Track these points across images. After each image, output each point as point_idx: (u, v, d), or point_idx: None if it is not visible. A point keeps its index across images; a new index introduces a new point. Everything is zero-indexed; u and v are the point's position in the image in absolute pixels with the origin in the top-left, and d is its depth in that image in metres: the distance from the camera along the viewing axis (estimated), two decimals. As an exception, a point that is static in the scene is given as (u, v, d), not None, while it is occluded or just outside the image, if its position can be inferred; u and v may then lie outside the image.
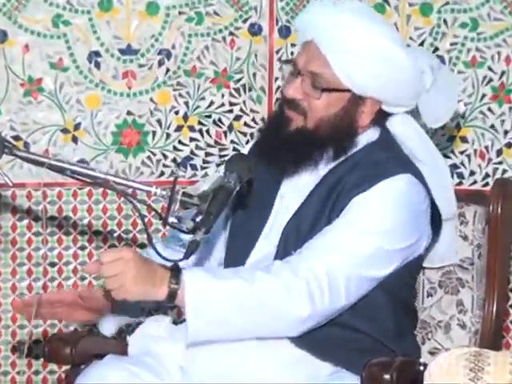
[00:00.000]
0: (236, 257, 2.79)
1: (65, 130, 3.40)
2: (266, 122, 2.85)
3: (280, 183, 2.80)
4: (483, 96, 3.31)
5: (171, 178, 3.32)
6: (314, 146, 2.72)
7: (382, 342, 2.68)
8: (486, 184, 3.21)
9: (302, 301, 2.54)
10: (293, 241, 2.71)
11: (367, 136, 2.76)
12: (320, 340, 2.64)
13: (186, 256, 3.26)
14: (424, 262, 2.83)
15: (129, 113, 3.43)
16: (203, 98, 3.43)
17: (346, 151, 2.75)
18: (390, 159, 2.77)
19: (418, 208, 2.71)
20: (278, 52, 3.38)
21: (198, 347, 2.59)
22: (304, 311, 2.54)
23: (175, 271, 2.46)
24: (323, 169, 2.75)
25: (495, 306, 2.80)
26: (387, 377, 2.37)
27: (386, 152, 2.79)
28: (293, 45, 3.39)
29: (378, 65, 2.69)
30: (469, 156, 3.32)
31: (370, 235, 2.65)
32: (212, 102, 3.43)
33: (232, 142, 3.42)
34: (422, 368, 2.44)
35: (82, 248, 3.41)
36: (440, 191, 2.78)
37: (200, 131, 3.45)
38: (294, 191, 2.79)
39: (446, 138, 3.33)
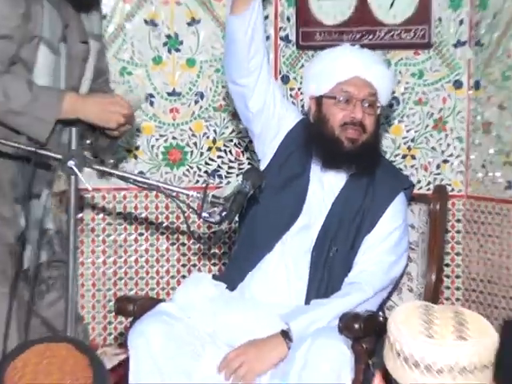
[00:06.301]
0: (266, 236, 2.65)
1: (128, 150, 3.42)
2: (318, 140, 2.66)
3: (308, 174, 2.67)
4: (427, 126, 3.30)
5: (204, 185, 3.27)
6: (372, 155, 2.67)
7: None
8: (429, 189, 3.19)
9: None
10: (329, 239, 2.61)
11: None
12: None
13: (215, 241, 3.27)
14: None
15: (173, 138, 3.44)
16: (227, 127, 3.44)
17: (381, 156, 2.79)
18: (395, 172, 2.83)
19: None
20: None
21: (222, 320, 2.55)
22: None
23: (285, 334, 2.44)
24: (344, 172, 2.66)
25: (434, 276, 2.81)
26: (357, 326, 2.38)
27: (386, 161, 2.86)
28: (291, 89, 3.38)
29: (393, 85, 2.78)
30: (417, 169, 3.31)
31: (396, 249, 2.65)
32: (233, 130, 3.43)
33: (247, 158, 3.43)
34: (382, 320, 2.49)
35: (141, 234, 3.43)
36: None
37: (224, 151, 3.46)
38: (327, 185, 2.67)
39: (400, 156, 3.33)
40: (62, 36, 2.59)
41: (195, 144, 3.46)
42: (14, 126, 2.51)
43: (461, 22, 3.26)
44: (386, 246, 2.63)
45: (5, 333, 2.43)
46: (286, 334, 2.46)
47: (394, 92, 3.11)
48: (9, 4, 2.46)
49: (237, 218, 2.66)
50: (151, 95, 3.41)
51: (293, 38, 3.38)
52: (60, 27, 2.58)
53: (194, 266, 3.43)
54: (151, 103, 3.42)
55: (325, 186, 2.68)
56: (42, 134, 2.50)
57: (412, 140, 3.34)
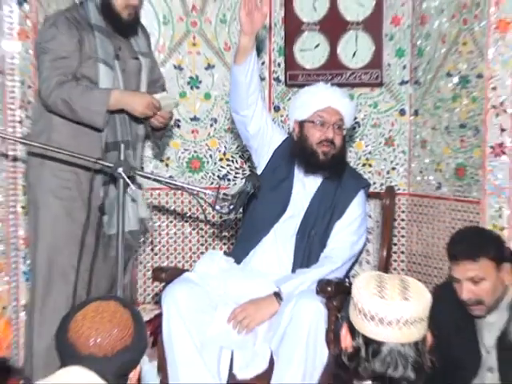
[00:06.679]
0: (263, 223, 2.64)
1: (161, 160, 3.41)
2: (301, 152, 2.63)
3: (293, 178, 2.66)
4: (380, 142, 3.31)
5: (217, 186, 3.31)
6: (340, 165, 2.64)
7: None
8: (382, 189, 3.17)
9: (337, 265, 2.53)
10: (309, 225, 2.59)
11: None
12: None
13: (225, 227, 3.24)
14: None
15: (194, 151, 3.42)
16: (234, 144, 3.43)
17: (346, 164, 2.73)
18: (357, 175, 2.77)
19: None
20: (273, 120, 3.35)
21: (231, 285, 2.54)
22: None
23: (277, 294, 2.44)
24: (320, 176, 2.63)
25: (385, 252, 2.81)
26: (329, 289, 2.38)
27: (351, 168, 2.81)
28: (281, 115, 3.36)
29: (355, 113, 2.75)
30: (373, 174, 3.31)
31: (358, 231, 2.62)
32: (238, 146, 3.42)
33: (249, 166, 3.41)
34: (347, 284, 2.49)
35: (171, 221, 3.41)
36: None
37: (232, 161, 3.44)
38: (308, 186, 2.64)
39: (361, 164, 3.32)
40: (114, 55, 2.60)
41: (210, 156, 3.45)
42: (80, 121, 2.53)
43: (404, 67, 3.26)
44: (351, 229, 2.62)
45: (73, 293, 2.45)
46: (277, 295, 2.46)
47: (356, 118, 3.11)
48: (66, 35, 2.52)
49: (241, 210, 2.63)
50: (178, 120, 3.39)
51: (282, 78, 3.38)
52: (112, 49, 2.59)
53: (210, 245, 3.42)
54: (178, 126, 3.40)
55: (305, 187, 2.67)
56: (99, 122, 2.51)
57: (369, 153, 3.34)
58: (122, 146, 2.31)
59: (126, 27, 2.64)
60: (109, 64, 2.57)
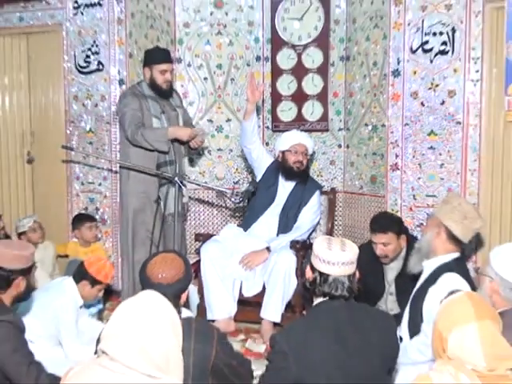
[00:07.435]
0: (260, 208, 2.59)
1: (200, 172, 3.30)
2: (283, 168, 2.59)
3: (278, 183, 2.61)
4: (327, 163, 3.19)
5: (232, 187, 3.21)
6: (305, 176, 2.62)
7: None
8: (328, 189, 3.06)
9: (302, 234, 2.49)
10: (287, 210, 2.55)
11: None
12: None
13: (237, 210, 3.10)
14: None
15: (219, 167, 3.35)
16: (242, 164, 3.31)
17: (309, 175, 2.68)
18: (315, 181, 2.69)
19: None
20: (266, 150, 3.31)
21: (241, 243, 2.50)
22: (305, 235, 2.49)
23: (268, 248, 2.40)
24: (294, 181, 2.59)
25: (330, 225, 2.76)
26: (298, 245, 2.37)
27: (311, 177, 2.71)
28: (270, 148, 3.23)
29: (313, 146, 2.68)
30: (323, 181, 3.18)
31: (315, 213, 2.57)
32: (245, 164, 3.29)
33: (251, 176, 3.25)
34: (309, 243, 2.46)
35: (205, 207, 3.28)
36: None
37: (241, 173, 3.34)
38: (286, 187, 2.60)
39: (316, 175, 3.21)
40: (161, 111, 2.62)
41: (228, 170, 3.36)
42: (152, 148, 2.49)
43: (340, 121, 3.19)
44: (311, 212, 2.63)
45: (149, 250, 2.47)
46: (268, 249, 2.47)
47: (313, 149, 3.01)
48: (132, 101, 2.54)
49: (246, 201, 2.63)
50: (209, 150, 3.30)
51: (270, 126, 3.30)
52: (159, 108, 2.62)
53: (228, 221, 3.33)
54: (210, 154, 3.31)
55: (285, 188, 2.66)
56: (163, 147, 2.50)
57: (321, 169, 3.25)
58: (177, 165, 2.32)
59: (165, 93, 2.61)
60: (158, 117, 2.57)
